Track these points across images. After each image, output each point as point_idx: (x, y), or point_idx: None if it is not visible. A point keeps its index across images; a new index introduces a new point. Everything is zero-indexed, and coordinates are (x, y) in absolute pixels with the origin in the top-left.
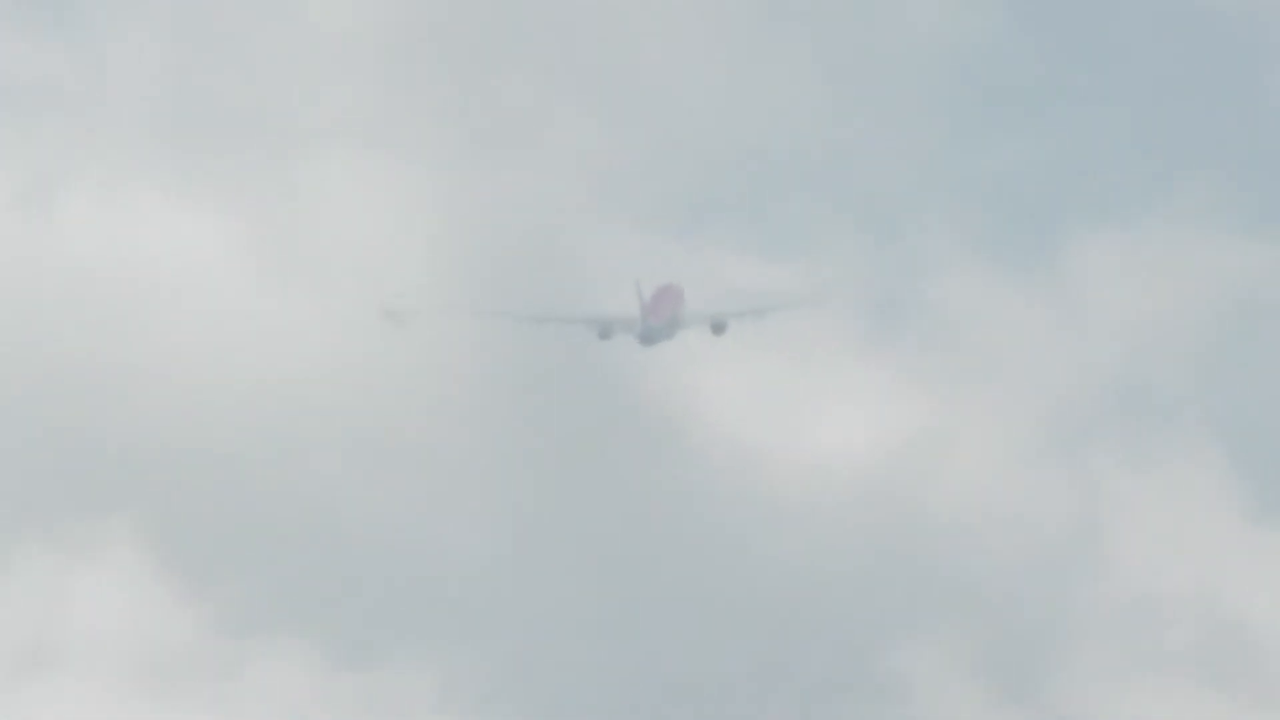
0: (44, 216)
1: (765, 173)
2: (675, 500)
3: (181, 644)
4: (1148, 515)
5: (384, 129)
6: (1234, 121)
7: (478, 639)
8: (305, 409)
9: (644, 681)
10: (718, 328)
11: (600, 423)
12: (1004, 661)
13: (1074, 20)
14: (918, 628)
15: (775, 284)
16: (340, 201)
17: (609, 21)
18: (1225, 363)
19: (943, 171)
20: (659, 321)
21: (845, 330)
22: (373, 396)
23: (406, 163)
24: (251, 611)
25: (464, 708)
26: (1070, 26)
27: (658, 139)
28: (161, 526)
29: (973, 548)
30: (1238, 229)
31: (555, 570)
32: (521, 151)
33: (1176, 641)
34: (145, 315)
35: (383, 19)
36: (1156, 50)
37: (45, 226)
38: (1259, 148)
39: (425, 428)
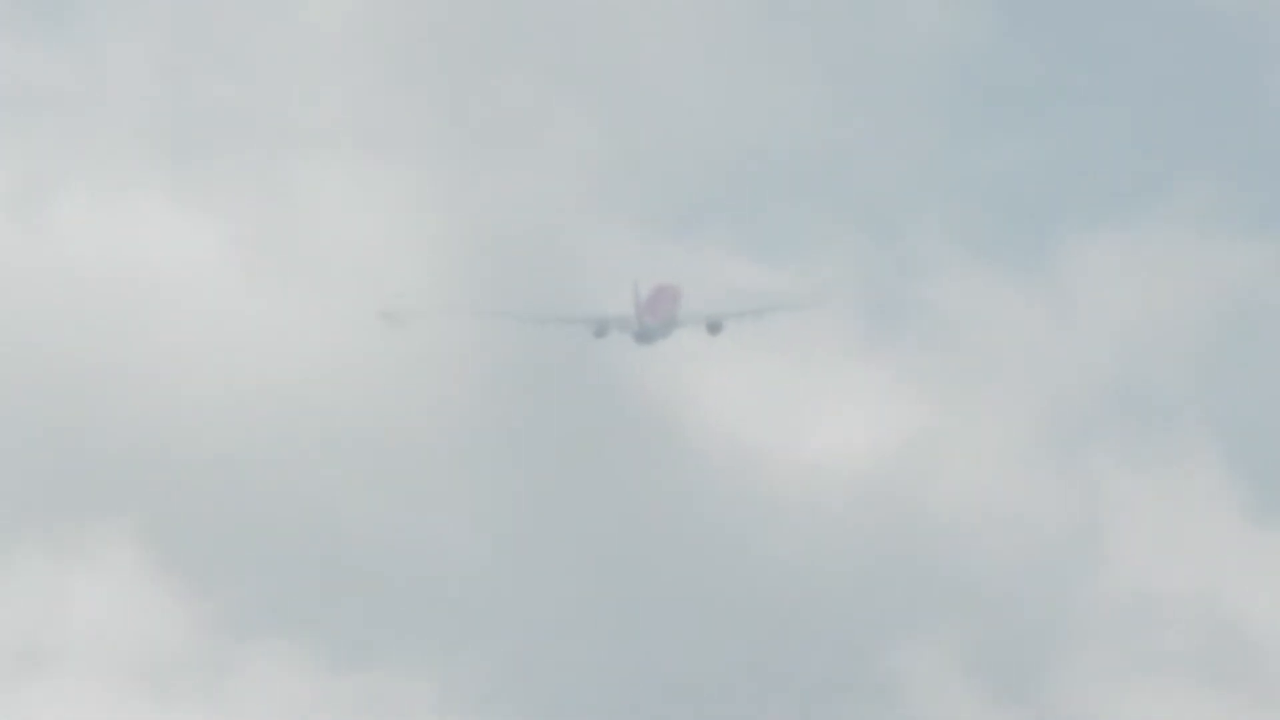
0: (41, 219)
1: (763, 173)
2: (673, 500)
3: (180, 645)
4: (1146, 515)
5: (381, 130)
6: (1232, 122)
7: (476, 639)
8: (303, 410)
9: (643, 681)
10: (714, 327)
11: (597, 422)
12: (1003, 661)
13: (1072, 21)
14: (917, 627)
15: (773, 284)
16: (338, 203)
17: (607, 22)
18: (1224, 363)
19: (941, 172)
20: (655, 321)
21: (843, 330)
22: (370, 397)
23: (404, 163)
24: (250, 612)
25: (463, 708)
26: (1068, 27)
27: (656, 139)
28: (160, 528)
29: (971, 548)
30: (1236, 229)
31: (553, 570)
32: (519, 151)
33: (1175, 641)
34: (143, 316)
35: (380, 20)
36: (1154, 51)
37: (42, 229)
38: (1257, 148)
39: (422, 428)
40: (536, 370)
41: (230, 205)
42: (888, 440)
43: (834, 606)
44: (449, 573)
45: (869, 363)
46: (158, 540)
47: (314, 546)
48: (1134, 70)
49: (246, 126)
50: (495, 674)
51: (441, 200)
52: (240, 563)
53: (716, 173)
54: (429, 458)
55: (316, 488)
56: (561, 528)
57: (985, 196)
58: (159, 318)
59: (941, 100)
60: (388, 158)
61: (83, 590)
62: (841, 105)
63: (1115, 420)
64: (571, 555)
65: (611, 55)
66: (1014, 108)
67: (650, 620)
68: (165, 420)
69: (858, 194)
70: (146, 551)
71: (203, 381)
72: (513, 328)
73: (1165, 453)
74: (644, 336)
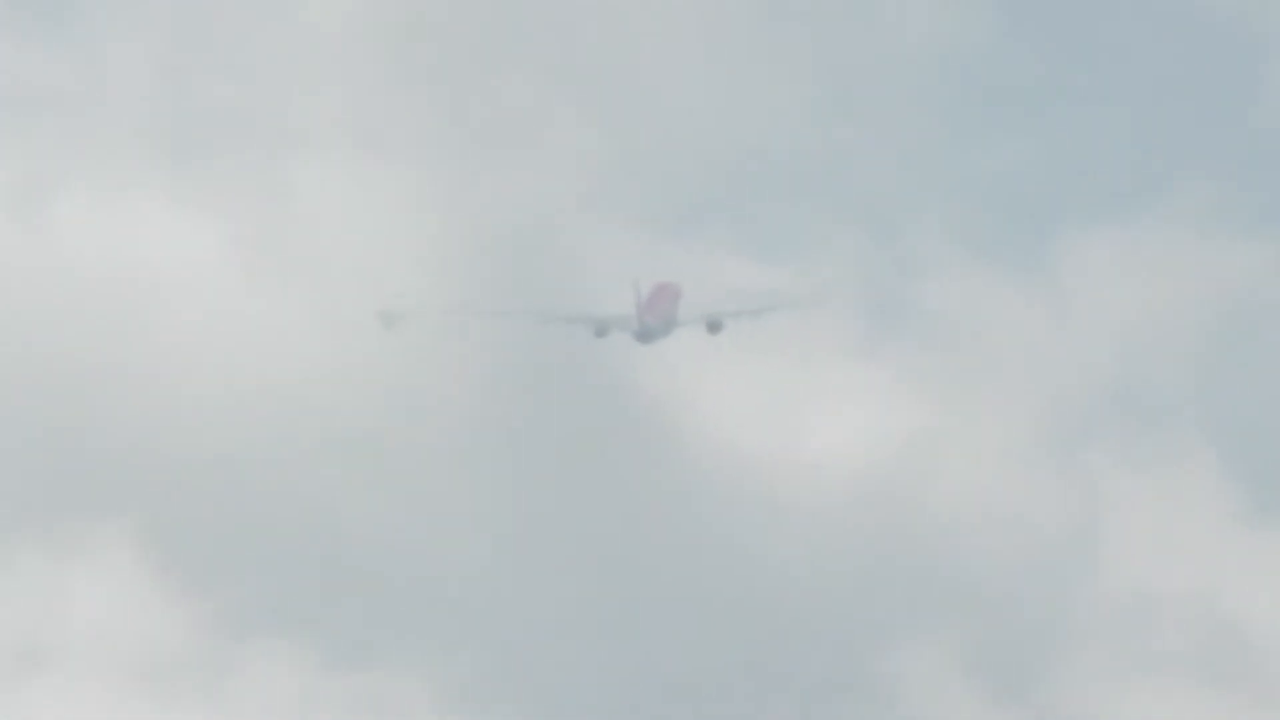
0: (41, 218)
1: (763, 173)
2: (672, 499)
3: (178, 645)
4: (1145, 515)
5: (381, 130)
6: (1231, 122)
7: (476, 639)
8: (303, 410)
9: (643, 681)
10: (714, 326)
11: (596, 421)
12: (1002, 661)
13: (1071, 21)
14: (916, 627)
15: (773, 284)
16: (337, 203)
17: (607, 22)
18: (1223, 363)
19: (940, 172)
20: (656, 320)
21: (843, 330)
22: (370, 397)
23: (404, 163)
24: (249, 612)
25: (462, 708)
26: (1068, 27)
27: (656, 139)
28: (159, 527)
29: (970, 548)
30: (1235, 229)
31: (552, 570)
32: (519, 151)
33: (1174, 641)
34: (142, 316)
35: (380, 20)
36: (1154, 51)
37: (42, 228)
38: (1256, 148)
39: (422, 428)
40: (536, 370)
41: (230, 205)
42: (887, 440)
43: (834, 606)
44: (448, 573)
45: (868, 362)
46: (157, 540)
47: (313, 546)
48: (1134, 70)
49: (246, 126)
50: (494, 674)
51: (441, 200)
52: (239, 562)
53: (716, 173)
54: (429, 458)
55: (316, 488)
56: (561, 527)
57: (985, 196)
58: (159, 318)
59: (941, 100)
60: (388, 158)
61: (82, 590)
62: (841, 105)
63: (1114, 420)
64: (571, 555)
65: (611, 55)
66: (1013, 108)
67: (650, 620)
68: (165, 420)
69: (857, 194)
70: (145, 551)
71: (202, 381)
72: (513, 327)
73: (1164, 453)
74: (644, 336)
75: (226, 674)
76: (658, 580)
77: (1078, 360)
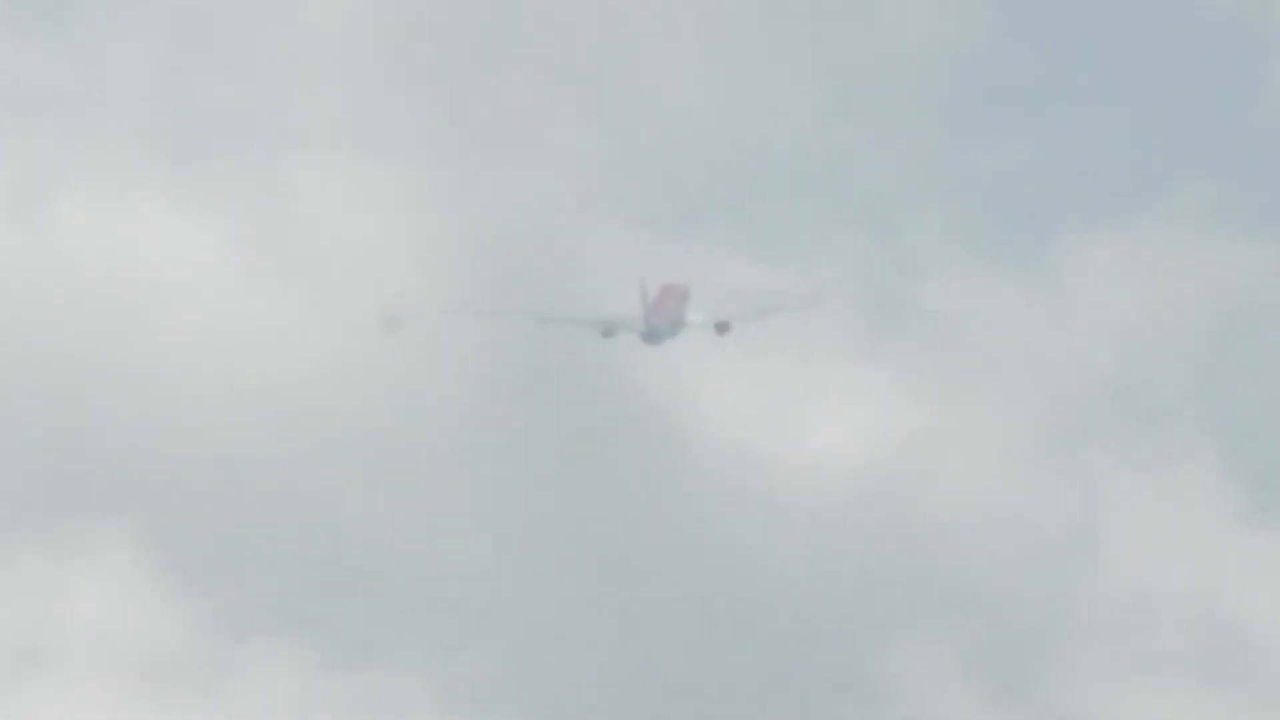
0: (41, 219)
1: (763, 173)
2: (676, 500)
3: (179, 644)
4: (1144, 516)
5: (382, 130)
6: (1231, 122)
7: (475, 640)
8: (303, 410)
9: (643, 681)
10: (721, 327)
11: (601, 422)
12: (1002, 661)
13: (1071, 21)
14: (917, 628)
15: (773, 284)
16: (338, 203)
17: (607, 22)
18: (1222, 363)
19: (940, 172)
20: (662, 320)
21: (843, 331)
22: (372, 397)
23: (405, 164)
24: (248, 612)
25: (462, 708)
26: (1067, 27)
27: (656, 139)
28: (159, 527)
29: (970, 548)
30: (1235, 230)
31: (555, 570)
32: (519, 151)
33: (1173, 641)
34: (142, 316)
35: (380, 20)
36: (1153, 51)
37: (42, 229)
38: (1255, 149)
39: (422, 428)
40: (540, 370)
41: (230, 205)
42: (888, 440)
43: (834, 606)
44: (448, 573)
45: (869, 362)
46: (157, 540)
47: (313, 546)
48: (1133, 70)
49: (246, 126)
50: (494, 674)
51: (442, 200)
52: (239, 562)
53: (717, 173)
54: (429, 458)
55: (316, 488)
56: (561, 527)
57: (985, 197)
58: (159, 318)
59: (941, 100)
60: (388, 158)
61: (82, 590)
62: (841, 105)
63: (1114, 420)
64: (572, 555)
65: (611, 55)
66: (1013, 108)
67: (650, 620)
68: (164, 420)
69: (857, 194)
70: (145, 551)
71: (202, 381)
72: (517, 328)
73: (1164, 453)
74: (651, 336)
75: (226, 674)
76: (659, 580)
77: (1078, 360)
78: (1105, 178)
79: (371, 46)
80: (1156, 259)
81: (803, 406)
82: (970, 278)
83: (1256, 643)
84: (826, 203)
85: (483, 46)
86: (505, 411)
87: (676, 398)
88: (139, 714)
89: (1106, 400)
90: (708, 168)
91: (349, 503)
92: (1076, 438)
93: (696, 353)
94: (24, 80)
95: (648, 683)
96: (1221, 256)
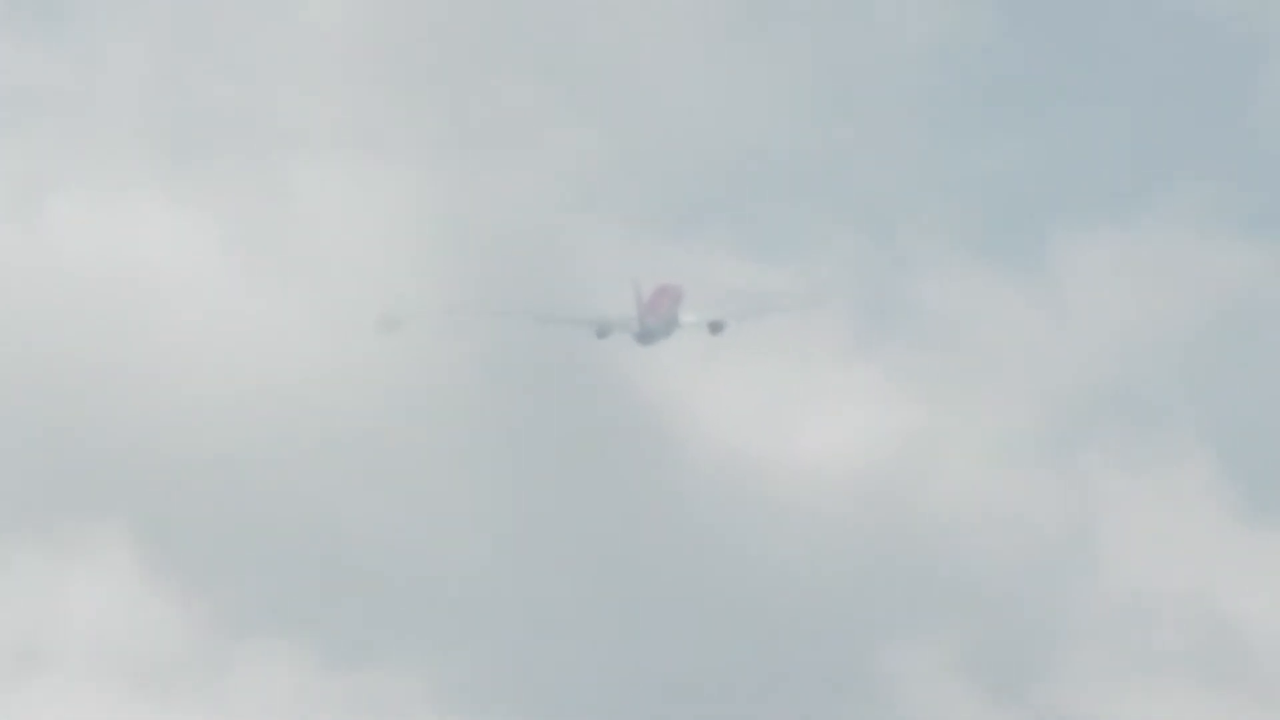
0: (39, 219)
1: (762, 173)
2: (672, 500)
3: (176, 645)
4: (1142, 516)
5: (380, 131)
6: (1228, 123)
7: (474, 639)
8: (302, 410)
9: (642, 681)
10: (715, 327)
11: (596, 422)
12: (1000, 662)
13: (1067, 21)
14: (915, 628)
15: (772, 284)
16: (337, 203)
17: (607, 22)
18: (1219, 364)
19: (939, 172)
20: (657, 321)
21: (841, 331)
22: (369, 397)
23: (402, 164)
24: (246, 612)
25: (460, 708)
26: (1063, 28)
27: (655, 139)
28: (157, 528)
29: (969, 548)
30: (1232, 231)
31: (552, 570)
32: (519, 152)
33: (1171, 642)
34: (141, 317)
35: (380, 20)
36: (1153, 51)
37: (40, 229)
38: (1253, 149)
39: (421, 428)
40: (536, 371)
41: (229, 206)
42: (886, 440)
43: (832, 606)
44: (445, 573)
45: (868, 363)
46: (155, 540)
47: (311, 546)
48: (1132, 70)
49: (246, 127)
50: (494, 674)
51: (439, 200)
52: (238, 562)
53: (716, 173)
54: (429, 458)
55: (315, 488)
56: (561, 527)
57: (984, 196)
58: (157, 318)
59: (939, 100)
60: (387, 158)
61: (80, 590)
62: (841, 105)
63: (1112, 420)
64: (571, 555)
65: (611, 55)
66: (1012, 108)
67: (650, 620)
68: (164, 420)
69: (855, 194)
70: (144, 551)
71: (201, 381)
72: (514, 328)
73: (1162, 453)
74: (645, 337)
75: (225, 674)
76: (658, 580)
77: (1076, 360)
78: (1104, 178)
79: (371, 47)
80: (1154, 259)
81: (799, 406)
82: (968, 278)
83: (1254, 642)
84: (825, 203)
85: (483, 47)
86: (501, 411)
87: (671, 398)
88: (137, 714)
89: (1104, 400)
90: (706, 168)
91: (347, 503)
92: (1074, 438)
93: (691, 353)
94: (23, 80)
95: (647, 683)
96: (1219, 257)
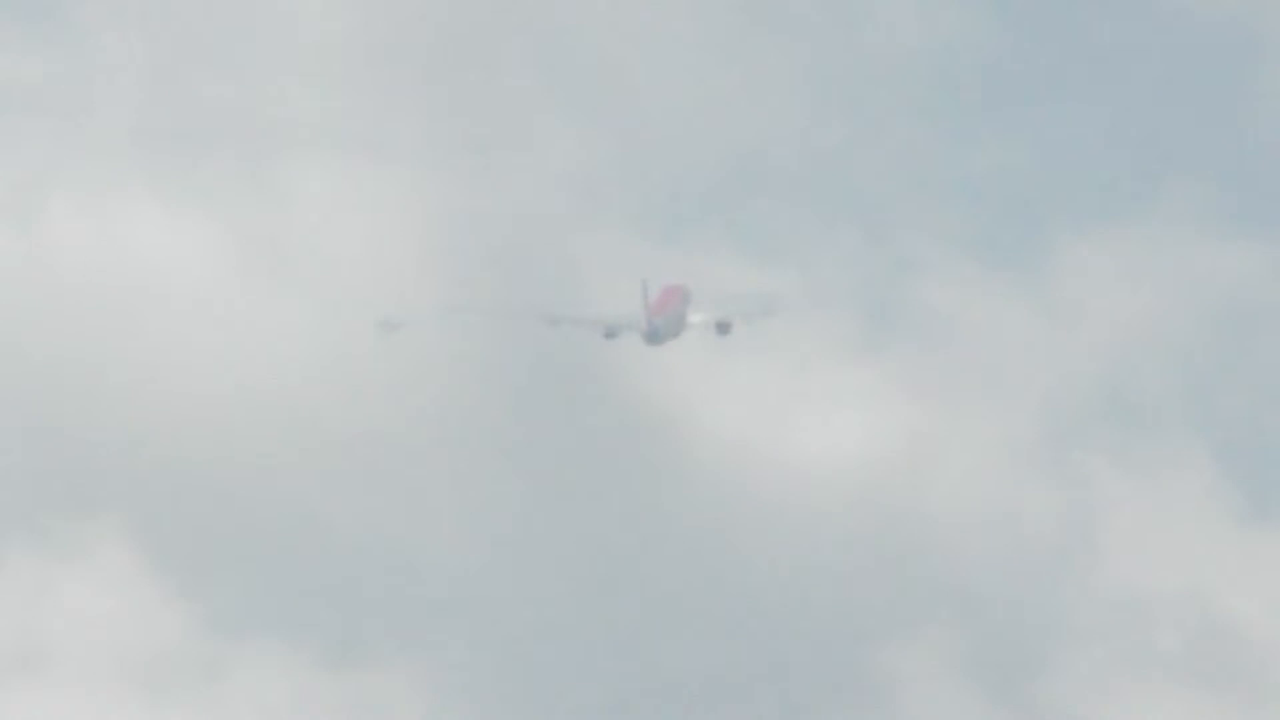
0: (36, 219)
1: (763, 175)
2: (677, 500)
3: (169, 645)
4: (1139, 517)
5: (380, 131)
6: (1229, 124)
7: (473, 640)
8: (300, 410)
9: (642, 681)
10: (723, 327)
11: (601, 422)
12: (998, 662)
13: (1067, 22)
14: (914, 629)
15: (772, 286)
16: (335, 206)
17: (605, 22)
18: (1217, 365)
19: (938, 174)
20: (664, 321)
21: (842, 332)
22: (370, 398)
23: (403, 165)
24: (240, 613)
25: (459, 708)
26: (1063, 28)
27: (654, 140)
28: (150, 528)
29: (968, 549)
30: (1230, 232)
31: (553, 570)
32: (518, 152)
33: (1169, 641)
34: (137, 317)
35: (378, 20)
36: (1152, 52)
37: (37, 229)
38: (1250, 150)
39: (426, 429)
40: (545, 371)
41: (226, 207)
42: (885, 442)
43: (832, 606)
44: (445, 574)
45: (868, 364)
46: (150, 540)
47: (305, 547)
48: (1131, 71)
49: (243, 127)
50: (492, 674)
51: (441, 201)
52: (235, 562)
53: (716, 174)
54: (430, 458)
55: (311, 488)
56: (561, 527)
57: (983, 198)
58: (154, 318)
59: (939, 102)
60: (387, 158)
61: (72, 590)
62: (840, 105)
63: (1110, 422)
64: (572, 554)
65: (610, 56)
66: (1011, 109)
67: (650, 620)
68: (160, 420)
69: (856, 196)
70: (139, 551)
71: (197, 382)
72: (522, 329)
73: (1160, 454)
74: (653, 337)
75: (221, 674)
76: (659, 580)
77: (1075, 362)
78: (1099, 181)
79: (371, 47)
80: (1153, 261)
81: (802, 407)
82: (968, 279)
83: (1252, 643)
84: (825, 204)
85: (482, 47)
86: (507, 412)
87: (678, 398)
88: (132, 714)
89: (1103, 402)
90: (707, 169)
91: (347, 503)
92: (1073, 439)
93: (698, 353)
94: (20, 80)
95: (647, 683)
96: (1218, 259)
